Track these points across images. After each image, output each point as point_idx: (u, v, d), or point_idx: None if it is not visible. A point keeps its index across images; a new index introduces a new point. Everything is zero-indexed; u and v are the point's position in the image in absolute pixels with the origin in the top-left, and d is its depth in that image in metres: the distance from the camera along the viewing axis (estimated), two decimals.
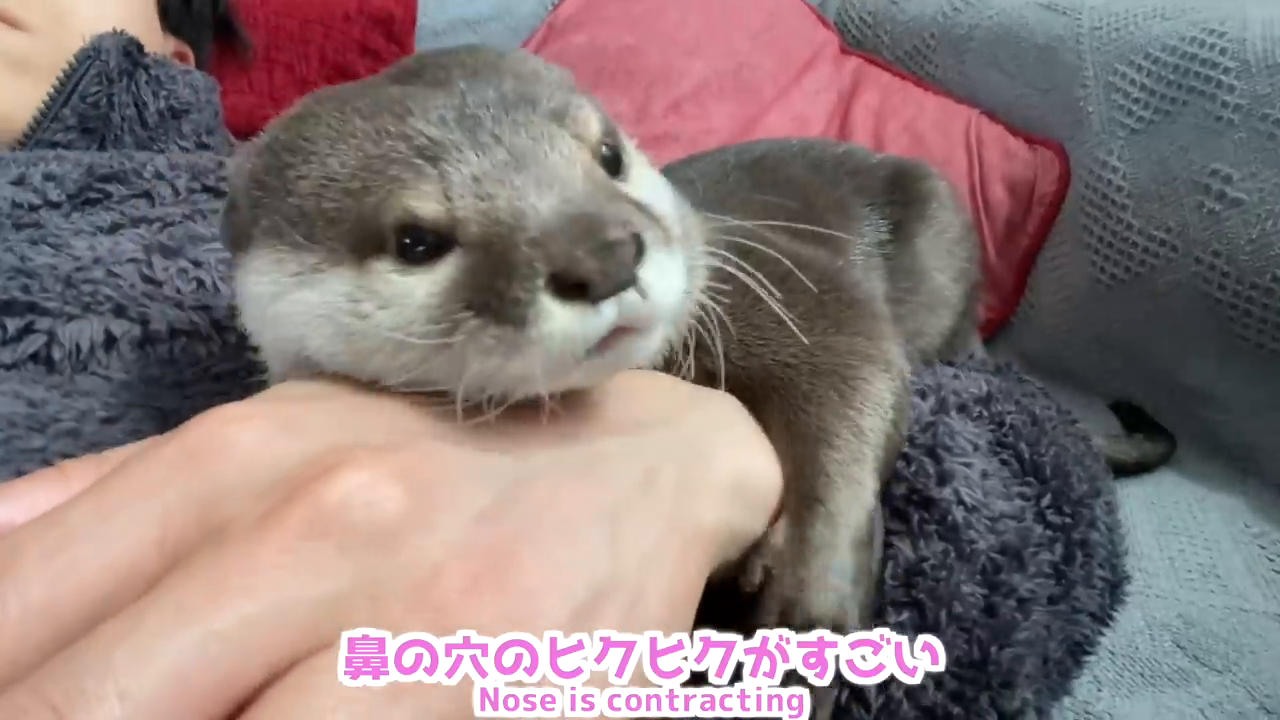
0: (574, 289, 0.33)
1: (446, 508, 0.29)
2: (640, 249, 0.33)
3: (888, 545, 0.44)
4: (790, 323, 0.44)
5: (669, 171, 0.84)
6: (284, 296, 0.38)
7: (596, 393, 0.40)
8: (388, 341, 0.34)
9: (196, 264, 0.55)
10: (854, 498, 0.42)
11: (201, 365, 0.51)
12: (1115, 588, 0.55)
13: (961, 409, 0.53)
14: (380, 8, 1.29)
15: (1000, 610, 0.45)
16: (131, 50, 0.78)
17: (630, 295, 0.33)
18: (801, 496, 0.42)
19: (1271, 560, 0.83)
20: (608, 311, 0.33)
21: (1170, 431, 1.02)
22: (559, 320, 0.33)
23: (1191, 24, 1.02)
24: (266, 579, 0.25)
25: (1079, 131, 1.14)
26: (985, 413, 0.53)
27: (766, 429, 0.44)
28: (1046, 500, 0.50)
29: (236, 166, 0.42)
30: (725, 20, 1.43)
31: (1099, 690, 0.69)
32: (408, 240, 0.35)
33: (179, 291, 0.54)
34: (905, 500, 0.45)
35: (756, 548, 0.41)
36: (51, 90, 0.74)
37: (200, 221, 0.60)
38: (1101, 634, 0.55)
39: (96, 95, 0.75)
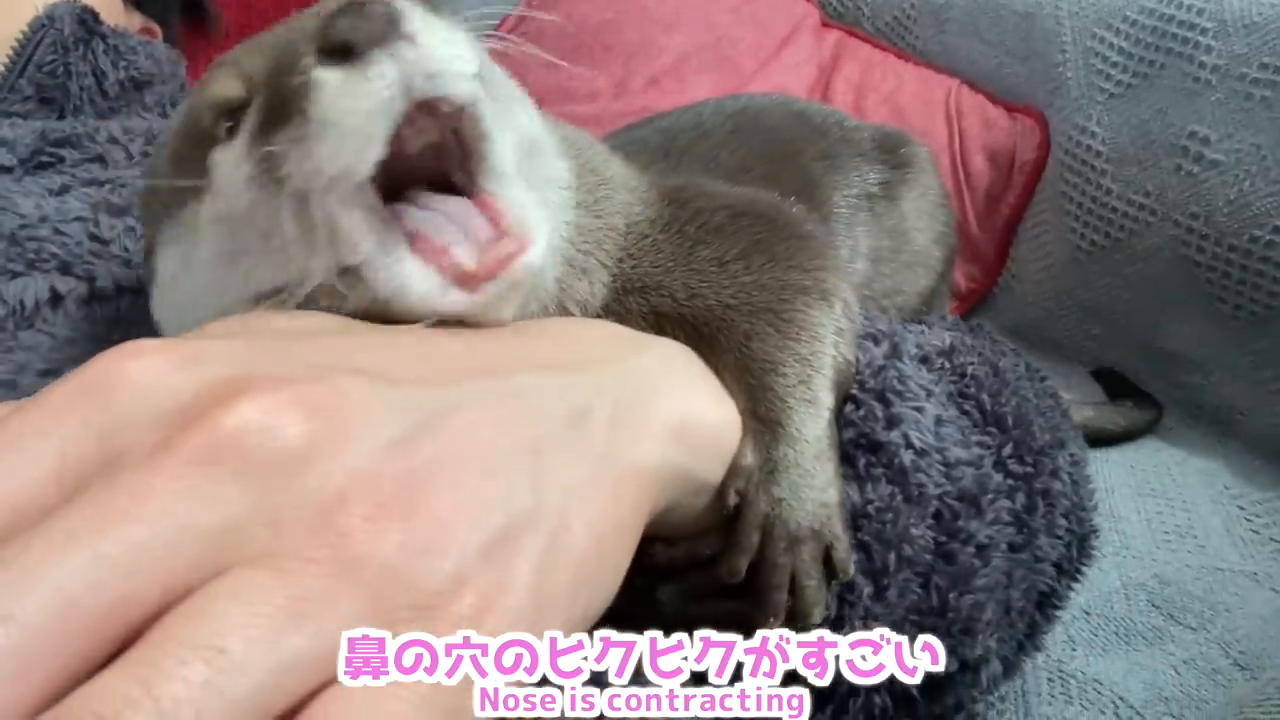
0: (341, 54, 0.34)
1: (353, 436, 0.28)
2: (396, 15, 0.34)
3: None
4: (726, 265, 0.46)
5: (643, 124, 0.84)
6: (187, 263, 0.40)
7: (530, 333, 0.39)
8: (236, 212, 0.37)
9: None
10: (810, 415, 0.43)
11: (149, 323, 0.50)
12: (1083, 540, 0.54)
13: (923, 360, 0.52)
14: None
15: (958, 557, 0.45)
16: (86, 19, 0.77)
17: (403, 48, 0.34)
18: (760, 420, 0.43)
19: (1250, 520, 0.82)
20: (384, 67, 0.34)
21: (1156, 398, 1.01)
22: (333, 83, 0.34)
23: None
24: (158, 505, 0.24)
25: (1058, 98, 1.13)
26: (947, 364, 0.53)
27: (717, 370, 0.45)
28: (1008, 449, 0.49)
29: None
30: None
31: (1073, 650, 0.68)
32: (229, 125, 0.38)
33: (127, 250, 0.53)
34: (853, 444, 0.45)
35: (729, 474, 0.42)
36: (6, 61, 0.73)
37: None
38: (1071, 588, 0.55)
39: (52, 64, 0.74)
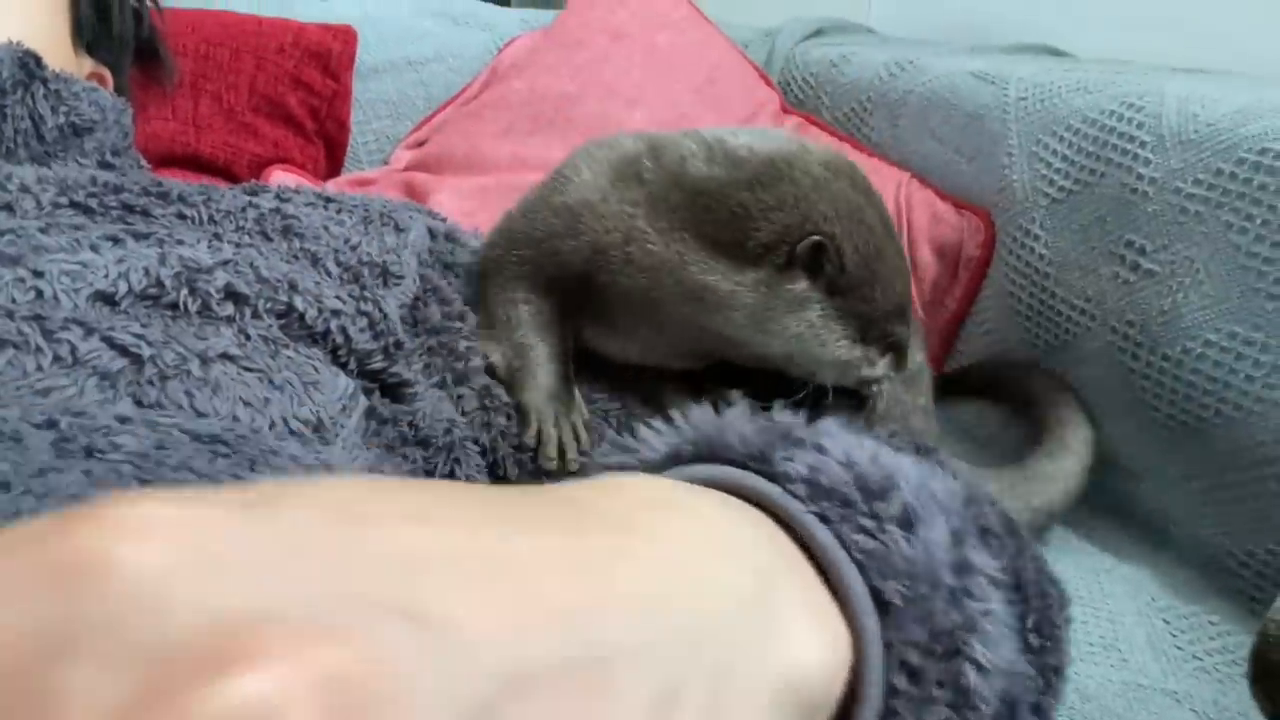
0: None
1: None
2: None
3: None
4: None
5: None
6: (807, 333, 0.68)
7: (601, 522, 0.28)
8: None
9: (37, 274, 0.52)
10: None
11: (28, 380, 0.48)
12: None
13: (984, 532, 0.39)
14: (318, 42, 1.28)
15: None
16: (28, 62, 0.76)
17: None
18: None
19: (1175, 635, 0.81)
20: None
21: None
22: None
23: (1112, 97, 1.04)
24: None
25: (1004, 199, 1.15)
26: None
27: None
28: (1030, 622, 0.38)
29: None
30: (669, 73, 1.44)
31: None
32: None
33: (13, 301, 0.51)
34: (923, 652, 0.33)
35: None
36: None
37: (53, 234, 0.57)
38: None
39: None
